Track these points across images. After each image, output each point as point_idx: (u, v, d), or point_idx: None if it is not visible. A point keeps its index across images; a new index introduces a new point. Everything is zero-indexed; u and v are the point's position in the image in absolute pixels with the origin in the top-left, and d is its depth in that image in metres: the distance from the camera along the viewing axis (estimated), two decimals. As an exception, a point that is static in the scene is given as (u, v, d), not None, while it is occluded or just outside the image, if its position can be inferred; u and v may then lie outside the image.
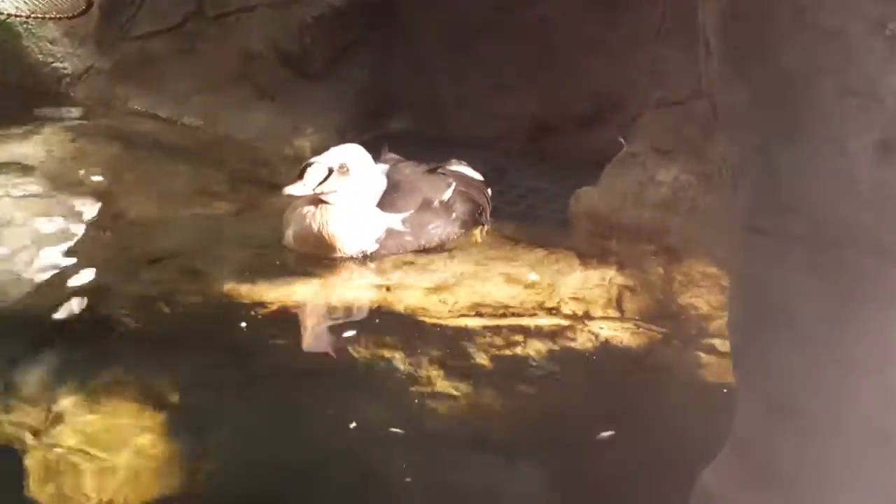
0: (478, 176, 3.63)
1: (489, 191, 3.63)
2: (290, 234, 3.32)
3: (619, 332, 2.95)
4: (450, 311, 3.04)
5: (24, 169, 4.13)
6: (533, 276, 3.22)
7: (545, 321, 3.01)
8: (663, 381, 2.79)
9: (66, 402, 2.59)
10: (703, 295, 3.10)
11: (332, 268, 3.27)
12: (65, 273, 3.24)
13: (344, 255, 3.29)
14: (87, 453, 2.42)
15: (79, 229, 3.58)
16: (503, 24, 4.12)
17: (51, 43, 4.93)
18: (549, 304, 3.08)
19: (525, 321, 3.01)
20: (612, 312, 3.05)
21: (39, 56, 4.93)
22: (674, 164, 3.40)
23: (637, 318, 3.03)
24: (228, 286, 3.12)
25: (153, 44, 4.73)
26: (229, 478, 2.38)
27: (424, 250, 3.39)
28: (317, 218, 3.25)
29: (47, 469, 2.36)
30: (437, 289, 3.16)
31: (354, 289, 3.20)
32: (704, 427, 2.24)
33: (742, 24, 1.57)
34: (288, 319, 3.01)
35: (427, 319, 3.00)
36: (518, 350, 2.88)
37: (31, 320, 2.99)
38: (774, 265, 1.67)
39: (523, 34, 4.06)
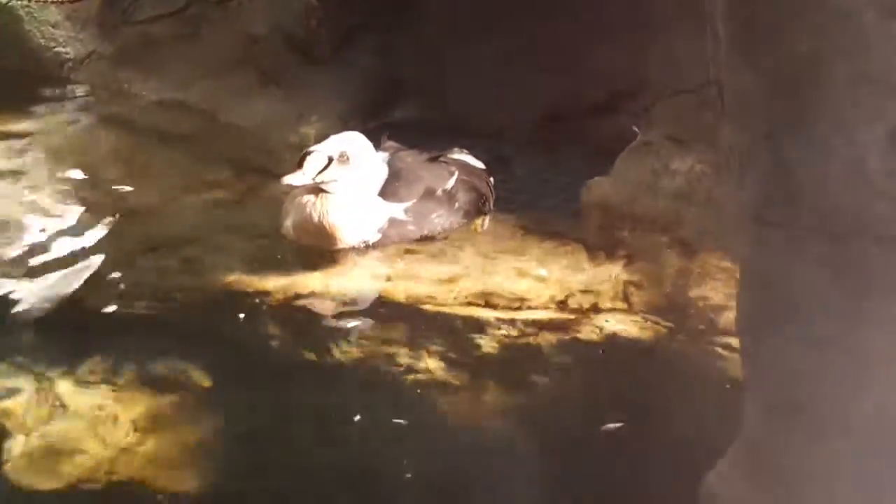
0: (480, 164, 3.62)
1: (492, 180, 3.62)
2: (289, 224, 3.32)
3: (628, 326, 2.94)
4: (455, 301, 3.03)
5: (24, 154, 4.15)
6: (542, 272, 3.20)
7: (553, 313, 3.00)
8: (672, 377, 2.77)
9: (61, 390, 2.60)
10: (718, 288, 3.07)
11: (333, 258, 3.27)
12: (62, 261, 3.25)
13: (345, 246, 3.28)
14: (83, 441, 2.43)
15: (78, 216, 3.59)
16: (513, 8, 4.09)
17: (53, 27, 4.94)
18: (557, 297, 3.07)
19: (533, 313, 3.00)
20: (621, 305, 3.04)
21: (41, 40, 4.94)
22: (689, 154, 3.38)
23: (647, 311, 3.01)
24: (228, 276, 3.12)
25: (156, 28, 4.74)
26: (228, 469, 2.39)
27: (430, 240, 3.38)
28: (317, 207, 3.24)
29: (47, 457, 2.38)
30: (442, 280, 3.15)
31: (357, 279, 3.19)
32: (713, 424, 2.23)
33: (750, 7, 1.55)
34: (288, 310, 3.00)
35: (431, 309, 2.99)
36: (524, 342, 2.87)
37: (27, 309, 2.98)
38: (784, 258, 1.66)
39: (534, 19, 4.04)
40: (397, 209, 3.34)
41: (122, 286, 3.09)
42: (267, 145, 4.16)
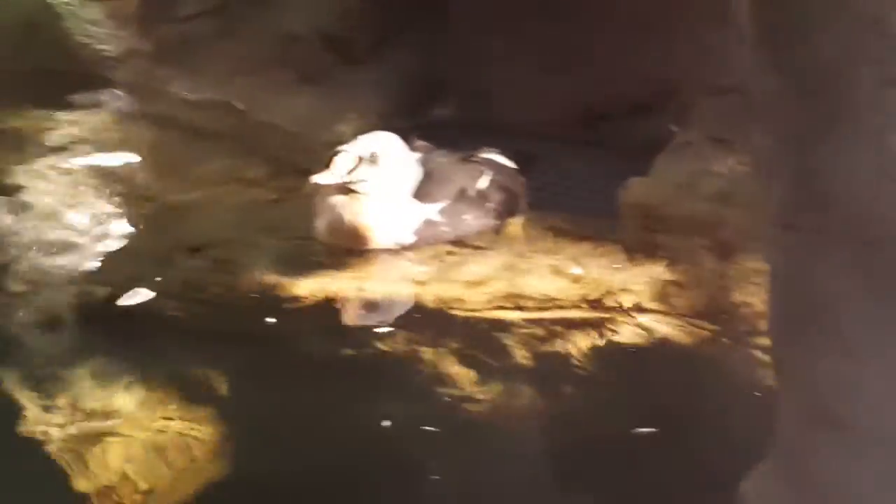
0: (511, 165, 3.62)
1: (524, 180, 3.62)
2: (320, 224, 3.34)
3: (664, 328, 2.94)
4: (487, 304, 3.04)
5: (63, 152, 4.24)
6: (577, 270, 3.21)
7: (588, 315, 3.00)
8: (710, 382, 2.77)
9: (88, 389, 2.66)
10: (758, 293, 3.05)
11: (366, 259, 3.30)
12: (96, 257, 3.33)
13: (377, 247, 3.30)
14: (124, 443, 2.49)
15: (115, 214, 3.66)
16: (553, 6, 4.10)
17: (93, 24, 5.03)
18: (592, 299, 3.07)
19: (567, 315, 3.01)
20: (658, 307, 3.04)
21: (81, 38, 5.04)
22: (730, 154, 3.36)
23: (685, 314, 3.00)
24: (260, 276, 3.16)
25: (195, 26, 4.80)
26: (259, 469, 2.43)
27: (463, 241, 3.40)
28: (349, 208, 3.26)
29: (89, 461, 2.43)
30: (475, 282, 3.17)
31: (389, 281, 3.22)
32: (749, 433, 2.23)
33: (775, 8, 1.55)
34: (319, 312, 3.04)
35: (464, 313, 3.01)
36: (558, 345, 2.88)
37: (65, 309, 3.06)
38: (813, 264, 1.65)
39: (574, 14, 4.04)
40: (431, 210, 3.36)
41: (154, 284, 3.14)
42: (304, 144, 4.19)
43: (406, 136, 3.64)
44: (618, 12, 3.96)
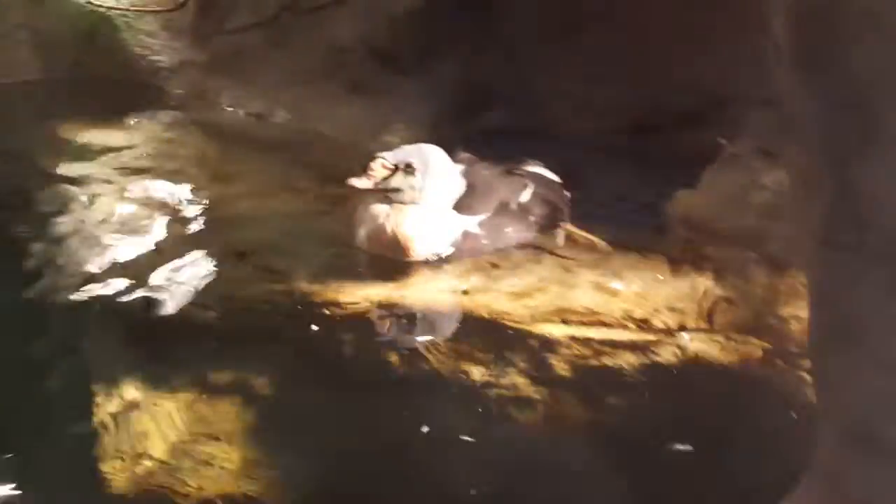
0: (555, 178, 3.62)
1: (567, 193, 3.62)
2: (362, 233, 3.37)
3: (711, 346, 2.91)
4: (533, 318, 3.04)
5: (119, 161, 4.33)
6: (620, 285, 3.20)
7: (632, 331, 2.99)
8: (756, 400, 2.74)
9: (146, 396, 2.70)
10: (806, 308, 3.01)
11: (407, 270, 3.32)
12: (150, 266, 3.37)
13: (417, 258, 3.33)
14: (163, 448, 2.52)
15: (165, 223, 3.72)
16: (603, 12, 4.10)
17: (148, 36, 5.16)
18: (637, 315, 3.05)
19: (612, 331, 3.00)
20: (705, 324, 3.01)
21: (137, 49, 5.16)
22: (779, 167, 3.32)
23: (732, 330, 2.97)
24: (305, 285, 3.19)
25: (247, 37, 4.91)
26: (303, 479, 2.44)
27: (507, 253, 3.40)
28: (390, 219, 3.30)
29: (129, 465, 2.47)
30: (518, 294, 3.17)
31: (432, 292, 3.22)
32: (791, 451, 2.21)
33: (811, 24, 1.54)
34: (362, 322, 3.06)
35: (509, 325, 3.01)
36: (603, 361, 2.87)
37: (115, 313, 3.11)
38: (852, 282, 1.64)
39: (624, 23, 4.04)
40: (471, 222, 3.37)
41: (199, 292, 3.19)
42: (352, 154, 4.23)
43: (453, 146, 3.67)
44: (667, 23, 3.95)
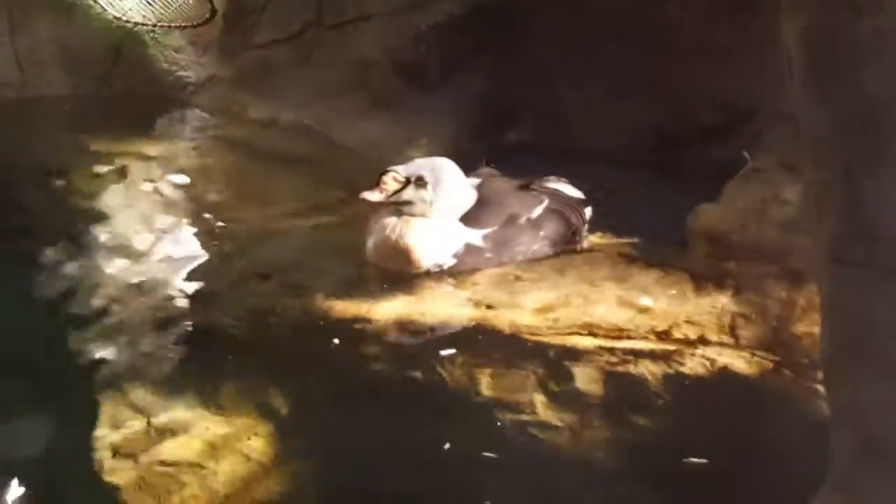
0: (577, 194, 3.66)
1: (588, 210, 3.65)
2: (370, 245, 3.44)
3: (733, 360, 2.94)
4: (554, 331, 3.08)
5: (146, 175, 4.41)
6: (646, 300, 3.23)
7: (654, 345, 3.03)
8: (777, 413, 2.77)
9: (170, 412, 2.76)
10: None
11: (428, 284, 3.37)
12: (175, 280, 3.45)
13: (420, 269, 3.37)
14: (190, 462, 2.58)
15: (191, 237, 3.81)
16: (627, 28, 4.14)
17: (176, 51, 5.25)
18: (660, 328, 3.09)
19: (633, 344, 3.03)
20: (726, 339, 3.04)
21: (164, 64, 5.25)
22: (800, 181, 3.35)
23: (753, 345, 3.01)
24: (325, 300, 3.25)
25: (273, 52, 4.98)
26: (318, 488, 2.51)
27: (531, 267, 3.45)
28: (396, 230, 3.36)
29: (150, 479, 2.53)
30: (541, 308, 3.21)
31: (454, 306, 3.27)
32: (812, 462, 2.24)
33: (822, 44, 1.59)
34: (384, 335, 3.11)
35: (530, 338, 3.06)
36: (624, 375, 2.90)
37: (140, 328, 3.19)
38: (861, 296, 1.68)
39: (648, 39, 4.08)
40: (475, 236, 3.41)
41: (223, 306, 3.27)
42: (377, 168, 4.29)
43: (476, 161, 3.73)
44: (691, 39, 3.99)
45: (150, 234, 3.83)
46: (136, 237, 3.81)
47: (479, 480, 2.53)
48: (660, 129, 4.13)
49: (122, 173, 4.41)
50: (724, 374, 2.89)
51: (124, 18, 5.21)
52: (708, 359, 2.95)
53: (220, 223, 3.90)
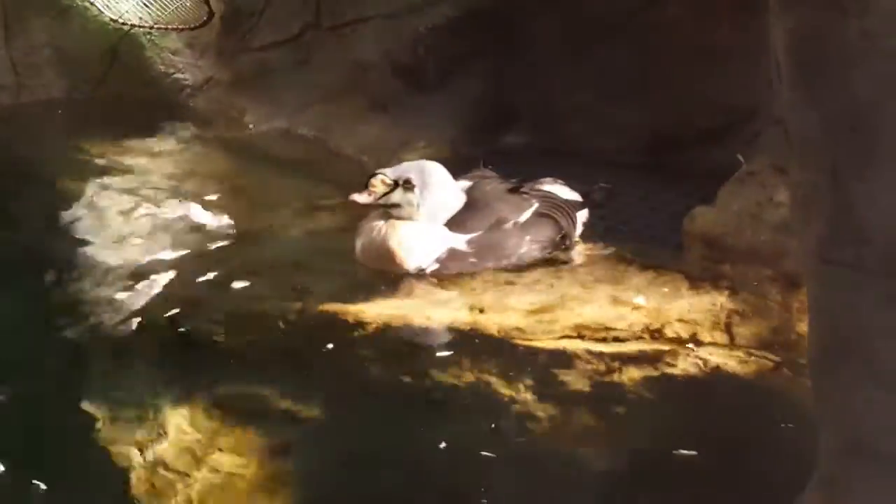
0: (573, 196, 3.66)
1: (584, 213, 3.66)
2: (358, 246, 3.49)
3: (728, 360, 2.96)
4: (548, 333, 3.11)
5: (142, 178, 4.44)
6: (639, 300, 3.26)
7: (648, 344, 3.05)
8: (770, 413, 2.79)
9: (164, 416, 2.78)
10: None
11: (419, 287, 3.39)
12: (168, 283, 3.47)
13: (407, 269, 3.40)
14: (186, 467, 2.61)
15: (186, 240, 3.83)
16: (623, 31, 4.17)
17: (173, 54, 5.27)
18: (653, 328, 3.11)
19: (627, 344, 3.06)
20: (721, 339, 3.07)
21: (161, 67, 5.27)
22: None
23: (748, 346, 3.03)
24: (320, 303, 3.27)
25: (270, 55, 5.01)
26: (315, 492, 2.53)
27: (524, 270, 3.47)
28: (381, 232, 3.41)
29: (151, 484, 2.56)
30: (536, 311, 3.23)
31: (449, 309, 3.29)
32: (798, 463, 2.26)
33: (810, 46, 1.61)
34: (379, 338, 3.13)
35: (523, 342, 3.08)
36: (617, 375, 2.93)
37: (131, 331, 3.21)
38: (849, 299, 1.70)
39: (643, 42, 4.11)
40: (459, 240, 3.44)
41: (217, 309, 3.29)
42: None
43: (474, 164, 3.75)
44: (687, 42, 4.02)
45: (144, 238, 3.85)
46: (130, 240, 3.83)
47: (474, 480, 2.54)
48: (657, 131, 4.15)
49: (117, 177, 4.43)
50: (718, 373, 2.91)
51: (121, 21, 5.23)
52: (701, 358, 2.97)
53: (216, 226, 3.92)
